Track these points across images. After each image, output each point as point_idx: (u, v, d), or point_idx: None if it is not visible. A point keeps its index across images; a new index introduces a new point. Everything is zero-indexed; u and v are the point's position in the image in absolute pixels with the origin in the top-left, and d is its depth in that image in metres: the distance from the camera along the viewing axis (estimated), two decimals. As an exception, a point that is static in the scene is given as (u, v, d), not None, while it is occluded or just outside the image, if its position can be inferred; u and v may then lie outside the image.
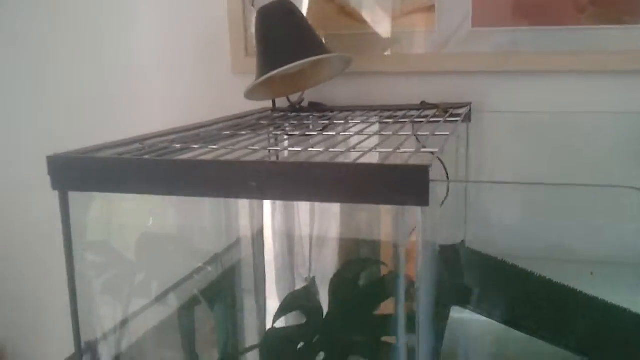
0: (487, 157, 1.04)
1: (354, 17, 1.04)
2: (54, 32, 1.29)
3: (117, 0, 1.23)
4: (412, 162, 0.54)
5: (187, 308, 1.00)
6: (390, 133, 0.74)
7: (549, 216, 0.97)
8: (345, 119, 0.94)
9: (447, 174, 0.89)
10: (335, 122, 0.91)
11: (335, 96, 1.10)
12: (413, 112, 0.95)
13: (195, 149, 0.68)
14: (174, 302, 0.99)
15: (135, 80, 1.24)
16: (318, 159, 0.59)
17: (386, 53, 1.05)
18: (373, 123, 0.87)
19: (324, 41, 0.99)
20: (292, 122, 0.95)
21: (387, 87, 1.07)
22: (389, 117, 0.91)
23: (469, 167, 1.03)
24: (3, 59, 1.35)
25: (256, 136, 0.77)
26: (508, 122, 1.00)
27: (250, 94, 0.89)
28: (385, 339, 0.88)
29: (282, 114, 1.04)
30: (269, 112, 1.06)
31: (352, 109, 1.03)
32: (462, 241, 1.02)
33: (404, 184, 0.50)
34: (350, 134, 0.75)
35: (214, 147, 0.67)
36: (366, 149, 0.63)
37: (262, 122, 0.94)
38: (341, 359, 0.88)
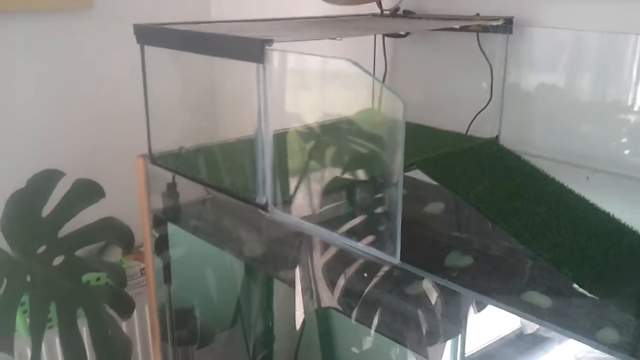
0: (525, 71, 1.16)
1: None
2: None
3: None
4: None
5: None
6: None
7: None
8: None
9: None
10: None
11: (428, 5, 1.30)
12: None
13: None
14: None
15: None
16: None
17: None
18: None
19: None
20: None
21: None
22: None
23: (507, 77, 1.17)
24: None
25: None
26: (551, 38, 1.10)
27: (330, -1, 1.18)
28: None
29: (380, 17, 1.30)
30: (370, 16, 1.33)
31: (432, 17, 1.24)
32: (497, 137, 1.19)
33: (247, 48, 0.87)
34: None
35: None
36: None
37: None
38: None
